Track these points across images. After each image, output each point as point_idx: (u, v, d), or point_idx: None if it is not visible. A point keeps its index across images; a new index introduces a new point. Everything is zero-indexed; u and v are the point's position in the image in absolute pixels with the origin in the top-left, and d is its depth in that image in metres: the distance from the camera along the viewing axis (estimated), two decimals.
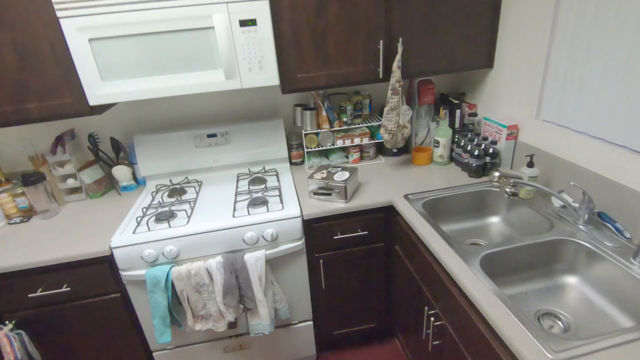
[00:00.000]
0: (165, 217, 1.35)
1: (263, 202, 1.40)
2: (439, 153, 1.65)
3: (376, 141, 1.73)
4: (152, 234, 1.28)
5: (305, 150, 1.70)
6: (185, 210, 1.40)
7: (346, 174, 1.42)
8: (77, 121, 1.65)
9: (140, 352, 1.45)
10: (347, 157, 1.76)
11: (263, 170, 1.68)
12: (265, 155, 1.68)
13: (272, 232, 1.32)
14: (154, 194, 1.58)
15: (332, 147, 1.70)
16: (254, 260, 1.30)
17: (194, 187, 1.61)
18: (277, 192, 1.48)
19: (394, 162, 1.74)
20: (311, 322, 1.57)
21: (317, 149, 1.70)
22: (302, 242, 1.38)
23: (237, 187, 1.57)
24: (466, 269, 0.98)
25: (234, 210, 1.37)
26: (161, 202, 1.50)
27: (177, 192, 1.57)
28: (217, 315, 1.34)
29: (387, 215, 1.44)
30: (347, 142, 1.68)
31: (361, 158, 1.78)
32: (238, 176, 1.66)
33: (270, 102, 1.76)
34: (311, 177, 1.43)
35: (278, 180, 1.59)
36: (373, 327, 1.68)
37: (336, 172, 1.44)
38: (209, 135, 1.63)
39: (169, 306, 1.29)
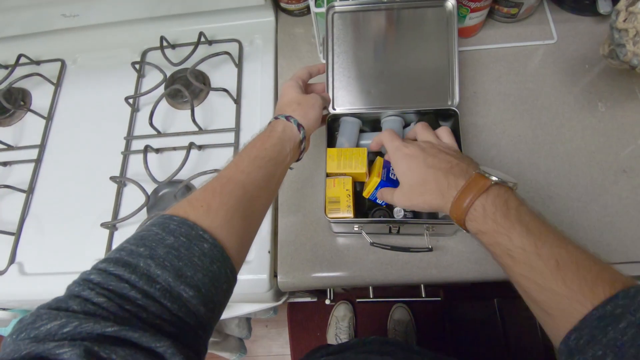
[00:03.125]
0: None
1: None
2: None
3: None
4: None
5: None
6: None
7: None
8: None
9: None
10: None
11: (203, 41, 0.71)
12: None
13: None
14: None
15: None
16: None
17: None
18: (231, 148, 0.64)
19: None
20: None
21: None
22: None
23: (130, 126, 0.67)
24: None
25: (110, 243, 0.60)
26: None
27: None
28: None
29: None
30: None
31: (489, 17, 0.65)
32: (136, 66, 0.71)
33: None
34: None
35: (238, 91, 0.68)
36: None
37: None
38: None
39: None
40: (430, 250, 0.51)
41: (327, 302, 0.74)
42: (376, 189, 0.49)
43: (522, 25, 0.67)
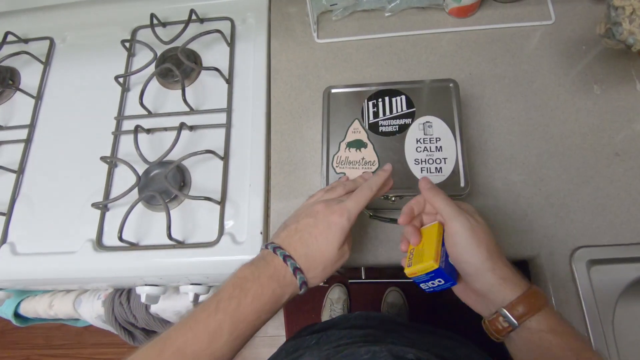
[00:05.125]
0: None
1: (172, 197, 0.57)
2: None
3: None
4: None
5: None
6: None
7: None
8: None
9: None
10: None
11: (194, 18, 0.69)
12: None
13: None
14: None
15: None
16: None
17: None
18: (221, 140, 0.61)
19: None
20: None
21: None
22: None
23: (121, 106, 0.66)
24: None
25: (100, 234, 0.58)
26: None
27: None
28: None
29: None
30: None
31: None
32: (126, 44, 0.69)
33: None
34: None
35: (230, 71, 0.66)
36: None
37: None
38: None
39: None
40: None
41: (320, 283, 0.74)
42: (428, 275, 0.37)
43: (520, 5, 0.66)
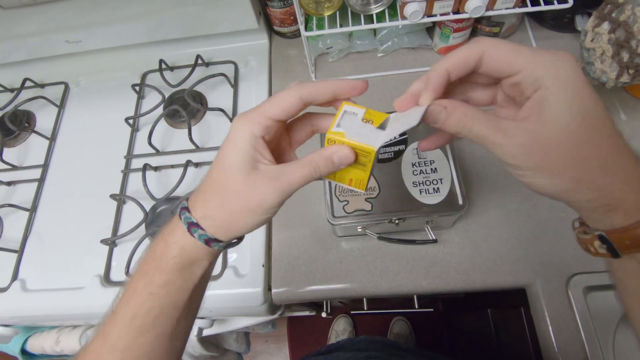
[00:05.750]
0: None
1: None
2: None
3: (540, 8, 0.56)
4: None
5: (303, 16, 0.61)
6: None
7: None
8: None
9: None
10: (433, 37, 0.69)
11: (200, 63, 0.74)
12: (201, 20, 0.71)
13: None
14: None
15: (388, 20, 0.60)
16: None
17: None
18: None
19: None
20: None
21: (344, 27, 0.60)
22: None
23: (130, 146, 0.69)
24: None
25: (108, 269, 0.60)
26: None
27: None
28: None
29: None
30: (442, 9, 0.56)
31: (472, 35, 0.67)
32: (136, 88, 0.74)
33: None
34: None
35: (234, 110, 0.70)
36: None
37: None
38: None
39: None
40: (435, 241, 0.53)
41: (324, 315, 0.75)
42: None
43: None
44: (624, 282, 0.27)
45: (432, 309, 0.65)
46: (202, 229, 0.27)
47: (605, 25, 0.41)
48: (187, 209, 0.28)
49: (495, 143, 0.24)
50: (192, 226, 0.27)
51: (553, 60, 0.23)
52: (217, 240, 0.28)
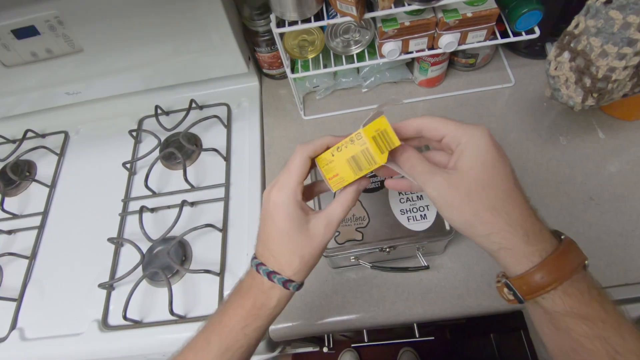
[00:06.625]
0: None
1: (174, 272, 0.60)
2: None
3: (510, 40, 0.60)
4: None
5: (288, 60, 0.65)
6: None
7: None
8: None
9: None
10: (413, 71, 0.73)
11: (194, 106, 0.78)
12: (194, 67, 0.74)
13: None
14: None
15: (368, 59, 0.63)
16: None
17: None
18: (220, 213, 0.66)
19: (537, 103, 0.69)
20: None
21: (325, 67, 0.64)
22: None
23: (128, 187, 0.72)
24: None
25: (106, 314, 0.60)
26: None
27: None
28: None
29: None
30: (417, 46, 0.61)
31: (450, 67, 0.73)
32: (133, 133, 0.78)
33: None
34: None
35: (227, 150, 0.73)
36: None
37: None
38: (19, 31, 0.63)
39: None
40: (428, 267, 0.53)
41: (325, 350, 0.74)
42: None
43: (482, 72, 0.74)
44: (538, 327, 0.31)
45: (433, 337, 0.64)
46: (278, 274, 0.34)
47: (566, 55, 0.44)
48: (262, 264, 0.34)
49: (424, 181, 0.31)
50: (270, 274, 0.33)
51: (472, 128, 0.30)
52: (291, 281, 0.34)
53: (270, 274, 0.33)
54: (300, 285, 0.35)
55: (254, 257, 0.36)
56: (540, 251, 0.28)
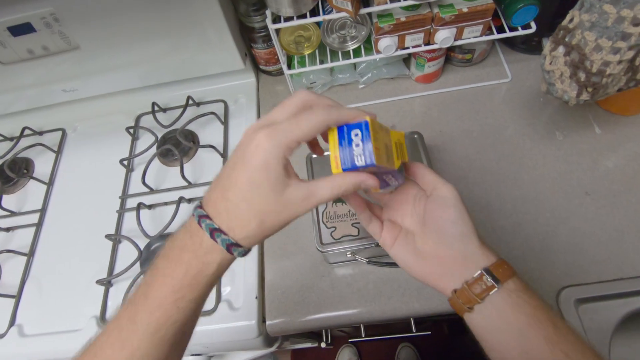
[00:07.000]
0: None
1: None
2: None
3: (506, 35, 0.62)
4: None
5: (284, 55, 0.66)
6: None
7: None
8: None
9: None
10: (409, 67, 0.73)
11: (191, 103, 0.78)
12: (191, 64, 0.75)
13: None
14: None
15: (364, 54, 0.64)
16: None
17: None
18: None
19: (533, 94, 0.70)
20: None
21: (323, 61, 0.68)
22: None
23: (125, 186, 0.72)
24: None
25: (104, 310, 0.61)
26: None
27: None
28: None
29: None
30: (413, 41, 0.61)
31: (447, 63, 0.73)
32: (131, 130, 0.78)
33: None
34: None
35: (224, 146, 0.74)
36: None
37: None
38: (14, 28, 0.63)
39: None
40: None
41: (323, 345, 0.74)
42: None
43: (479, 67, 0.74)
44: (484, 324, 0.34)
45: (430, 332, 0.65)
46: (224, 233, 0.28)
47: (561, 49, 0.44)
48: (207, 216, 0.29)
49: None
50: (215, 232, 0.28)
51: (444, 183, 0.36)
52: (238, 246, 0.29)
53: (214, 232, 0.28)
54: (245, 253, 0.30)
55: (199, 206, 0.29)
56: (494, 249, 0.35)
